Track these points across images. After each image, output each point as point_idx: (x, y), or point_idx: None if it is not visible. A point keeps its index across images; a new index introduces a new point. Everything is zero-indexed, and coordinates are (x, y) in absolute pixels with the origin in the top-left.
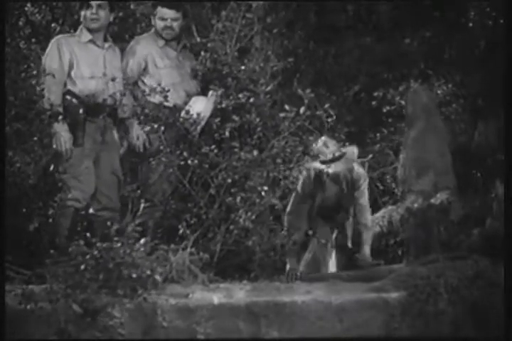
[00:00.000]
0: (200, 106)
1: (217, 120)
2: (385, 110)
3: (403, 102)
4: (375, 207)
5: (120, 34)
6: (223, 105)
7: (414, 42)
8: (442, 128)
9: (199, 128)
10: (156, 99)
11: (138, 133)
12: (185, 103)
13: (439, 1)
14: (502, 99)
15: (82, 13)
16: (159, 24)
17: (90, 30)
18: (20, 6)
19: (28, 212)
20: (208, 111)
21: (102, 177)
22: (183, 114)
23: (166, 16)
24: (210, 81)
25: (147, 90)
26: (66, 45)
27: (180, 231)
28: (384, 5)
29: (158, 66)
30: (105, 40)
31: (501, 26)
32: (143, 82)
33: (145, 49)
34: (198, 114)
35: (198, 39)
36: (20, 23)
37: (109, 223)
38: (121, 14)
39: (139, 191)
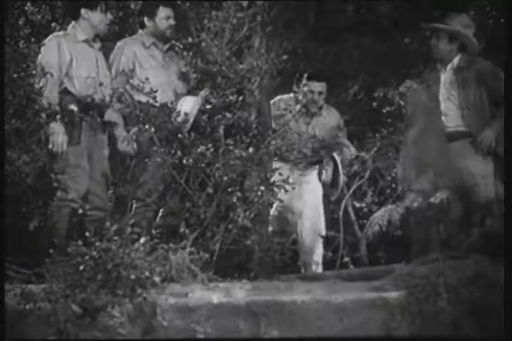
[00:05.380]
0: (188, 106)
1: (212, 118)
2: (384, 110)
3: (402, 102)
4: (375, 205)
5: (120, 34)
6: (218, 103)
7: (414, 42)
8: (442, 127)
9: (188, 125)
10: (144, 99)
11: (124, 136)
12: (173, 103)
13: (439, 1)
14: (502, 98)
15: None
16: (162, 24)
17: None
18: (20, 6)
19: (27, 212)
20: (194, 111)
21: (94, 177)
22: (173, 113)
23: (171, 15)
24: (202, 80)
25: (136, 91)
26: (66, 44)
27: (180, 231)
28: (384, 5)
29: (144, 67)
30: (95, 40)
31: (501, 26)
32: (131, 83)
33: (131, 51)
34: (186, 114)
35: (190, 39)
36: (20, 23)
37: (108, 223)
38: (121, 14)
39: (137, 190)
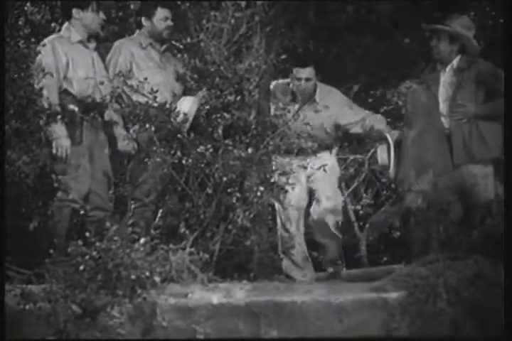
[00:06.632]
0: (187, 106)
1: (211, 118)
2: (382, 110)
3: (400, 102)
4: (375, 205)
5: (120, 34)
6: (216, 104)
7: (414, 42)
8: (442, 127)
9: (187, 125)
10: (143, 99)
11: (124, 136)
12: (172, 103)
13: (439, 1)
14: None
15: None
16: (160, 25)
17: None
18: (20, 6)
19: (27, 212)
20: (193, 111)
21: (95, 177)
22: (172, 113)
23: (169, 16)
24: (200, 81)
25: (134, 92)
26: (60, 47)
27: (180, 231)
28: (384, 5)
29: (141, 68)
30: (89, 40)
31: (501, 26)
32: (128, 84)
33: (128, 51)
34: (185, 114)
35: (189, 39)
36: (20, 23)
37: (108, 224)
38: (120, 14)
39: (135, 190)
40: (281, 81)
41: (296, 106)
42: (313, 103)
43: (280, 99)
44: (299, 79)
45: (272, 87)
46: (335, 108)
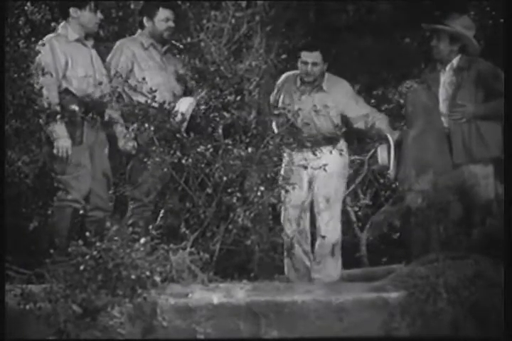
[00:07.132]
0: (184, 106)
1: (209, 118)
2: (383, 108)
3: (402, 101)
4: (374, 205)
5: (120, 34)
6: (216, 104)
7: (414, 42)
8: (442, 127)
9: (184, 124)
10: (142, 99)
11: (124, 135)
12: (169, 103)
13: (439, 1)
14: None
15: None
16: (161, 25)
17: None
18: (20, 5)
19: (27, 212)
20: (190, 111)
21: (95, 177)
22: (171, 113)
23: (170, 17)
24: (200, 81)
25: (134, 91)
26: (59, 46)
27: (180, 231)
28: (384, 5)
29: (142, 68)
30: (87, 39)
31: (501, 26)
32: (129, 83)
33: (130, 51)
34: (182, 114)
35: (189, 39)
36: (20, 23)
37: (108, 224)
38: (121, 14)
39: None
40: (291, 72)
41: (296, 107)
42: (320, 91)
43: (290, 89)
44: (306, 63)
45: (282, 78)
46: (343, 99)
